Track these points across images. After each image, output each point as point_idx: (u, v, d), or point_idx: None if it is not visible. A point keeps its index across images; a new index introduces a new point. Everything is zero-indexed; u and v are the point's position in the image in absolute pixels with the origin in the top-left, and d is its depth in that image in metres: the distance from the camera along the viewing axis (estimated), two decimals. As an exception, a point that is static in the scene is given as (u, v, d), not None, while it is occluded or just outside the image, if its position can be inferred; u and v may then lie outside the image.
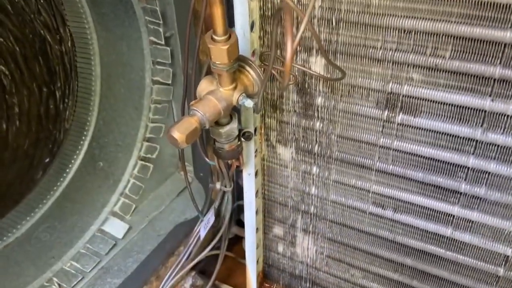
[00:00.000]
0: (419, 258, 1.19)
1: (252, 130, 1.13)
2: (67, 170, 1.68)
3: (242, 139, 1.09)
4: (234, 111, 1.03)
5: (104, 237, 1.51)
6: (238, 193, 1.53)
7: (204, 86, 0.95)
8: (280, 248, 1.48)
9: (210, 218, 1.27)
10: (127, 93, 1.63)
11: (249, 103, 0.94)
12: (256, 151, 1.22)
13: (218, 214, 1.39)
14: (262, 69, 0.98)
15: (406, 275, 1.25)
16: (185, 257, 1.26)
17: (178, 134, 0.86)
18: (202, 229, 1.25)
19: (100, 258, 1.45)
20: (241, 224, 1.60)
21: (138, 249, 1.50)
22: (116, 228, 1.54)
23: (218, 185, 1.23)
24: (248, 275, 1.52)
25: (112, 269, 1.43)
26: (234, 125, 1.01)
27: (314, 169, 1.23)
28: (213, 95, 0.91)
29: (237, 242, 1.70)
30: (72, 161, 1.69)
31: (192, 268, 1.61)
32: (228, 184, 1.21)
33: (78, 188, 1.64)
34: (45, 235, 1.52)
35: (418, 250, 1.18)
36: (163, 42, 1.46)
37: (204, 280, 1.54)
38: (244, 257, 1.56)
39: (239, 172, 1.34)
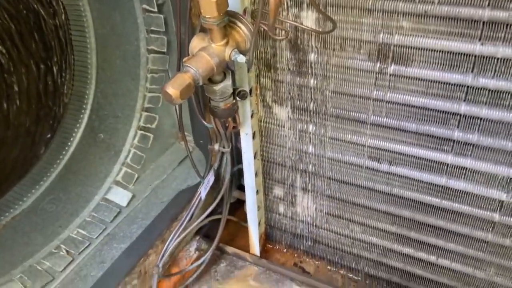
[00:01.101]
0: (415, 209, 1.22)
1: (247, 89, 1.15)
2: (69, 144, 1.70)
3: (238, 98, 1.10)
4: (229, 69, 1.05)
5: (109, 206, 1.54)
6: (238, 157, 1.55)
7: (196, 43, 0.95)
8: (281, 209, 1.51)
9: (210, 178, 1.29)
10: (123, 64, 1.64)
11: (241, 58, 0.95)
12: (252, 112, 1.23)
13: (218, 177, 1.41)
14: (254, 25, 0.99)
15: (404, 227, 1.28)
16: (187, 218, 1.29)
17: (172, 90, 0.87)
18: (203, 190, 1.28)
19: (105, 225, 1.48)
20: (242, 188, 1.63)
21: (142, 215, 1.54)
22: (120, 196, 1.57)
23: (216, 147, 1.25)
24: (251, 236, 1.55)
25: (118, 235, 1.46)
26: (228, 83, 1.02)
27: (311, 127, 1.24)
28: (205, 51, 0.92)
29: (239, 207, 1.73)
30: (73, 135, 1.71)
31: (197, 233, 1.66)
32: (226, 144, 1.23)
33: (80, 160, 1.67)
34: (50, 206, 1.55)
35: (414, 201, 1.21)
36: (156, 10, 1.46)
37: (209, 244, 1.57)
38: (246, 221, 1.60)
39: (238, 135, 1.36)
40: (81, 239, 1.43)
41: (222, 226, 1.53)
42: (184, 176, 1.72)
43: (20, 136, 1.79)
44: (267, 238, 1.62)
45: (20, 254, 1.36)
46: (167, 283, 1.49)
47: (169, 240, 1.27)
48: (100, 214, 1.52)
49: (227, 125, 1.21)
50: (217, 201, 1.31)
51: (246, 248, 1.61)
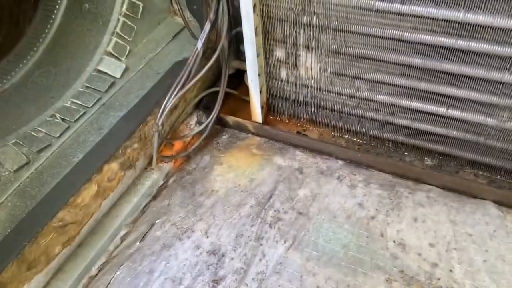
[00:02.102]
0: (427, 55, 1.14)
1: None
2: (53, 17, 1.58)
3: None
4: None
5: (102, 76, 1.47)
6: (235, 22, 1.43)
7: None
8: (283, 74, 1.43)
9: (205, 28, 1.20)
10: None
11: None
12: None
13: (215, 35, 1.31)
14: None
15: (413, 78, 1.21)
16: (185, 75, 1.22)
17: None
18: (199, 41, 1.19)
19: (100, 95, 1.42)
20: (241, 58, 1.54)
21: (138, 86, 1.47)
22: (113, 67, 1.49)
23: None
24: (253, 104, 1.50)
25: (114, 105, 1.41)
26: None
27: (315, -32, 1.12)
28: None
29: (240, 82, 1.66)
30: (57, 7, 1.58)
31: (197, 107, 1.60)
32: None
33: (67, 33, 1.56)
34: (41, 79, 1.48)
35: (427, 45, 1.12)
36: None
37: (209, 116, 1.52)
38: (247, 95, 1.53)
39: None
40: (76, 108, 1.38)
41: (222, 94, 1.47)
42: (179, 49, 1.63)
43: (3, 20, 1.67)
44: (269, 109, 1.57)
45: (13, 122, 1.32)
46: (169, 152, 1.47)
47: (167, 97, 1.21)
48: (93, 84, 1.45)
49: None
50: (215, 56, 1.22)
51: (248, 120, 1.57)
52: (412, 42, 1.14)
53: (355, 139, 1.46)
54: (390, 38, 1.16)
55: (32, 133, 1.29)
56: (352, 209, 1.28)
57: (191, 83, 1.21)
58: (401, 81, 1.24)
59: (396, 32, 1.14)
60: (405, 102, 1.28)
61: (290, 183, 1.38)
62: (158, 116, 1.21)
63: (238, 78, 1.65)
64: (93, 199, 1.18)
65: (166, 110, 1.21)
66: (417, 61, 1.17)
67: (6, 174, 1.20)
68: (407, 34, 1.13)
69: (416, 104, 1.26)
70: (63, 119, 1.34)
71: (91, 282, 1.18)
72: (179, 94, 1.21)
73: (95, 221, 1.22)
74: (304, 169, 1.42)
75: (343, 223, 1.24)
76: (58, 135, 1.29)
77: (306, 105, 1.48)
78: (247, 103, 1.57)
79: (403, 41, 1.15)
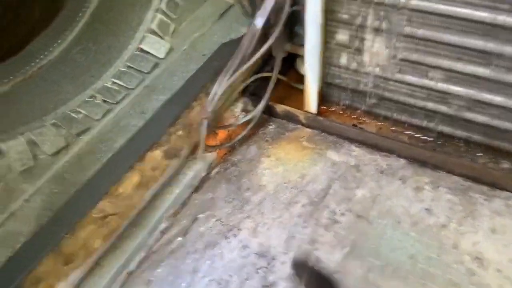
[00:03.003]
0: (524, 42, 0.98)
1: None
2: (93, -11, 1.48)
3: None
4: None
5: (145, 56, 1.36)
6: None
7: None
8: (343, 60, 1.29)
9: (266, 3, 1.05)
10: None
11: None
12: None
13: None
14: None
15: (501, 68, 1.05)
16: (240, 55, 1.09)
17: None
18: (259, 17, 1.06)
19: (143, 76, 1.32)
20: (296, 40, 1.41)
21: (183, 68, 1.36)
22: (157, 47, 1.38)
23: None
24: (308, 91, 1.36)
25: (158, 87, 1.30)
26: None
27: None
28: None
29: (290, 68, 1.52)
30: (98, -20, 1.48)
31: (242, 93, 1.48)
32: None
33: (109, 8, 1.46)
34: (80, 56, 1.38)
35: (526, 30, 0.97)
36: None
37: (256, 105, 1.40)
38: (297, 81, 1.40)
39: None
40: (118, 89, 1.28)
41: (274, 80, 1.34)
42: (226, 29, 1.51)
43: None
44: (322, 100, 1.43)
45: (51, 101, 1.23)
46: (213, 141, 1.36)
47: (219, 80, 1.08)
48: (136, 64, 1.34)
49: None
50: (275, 35, 1.09)
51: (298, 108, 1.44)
52: (505, 27, 0.98)
53: (419, 136, 1.31)
54: (479, 21, 1.00)
55: (71, 114, 1.20)
56: (418, 214, 1.14)
57: (246, 65, 1.09)
58: (486, 72, 1.08)
59: (488, 14, 0.98)
60: (486, 96, 1.12)
61: (346, 181, 1.24)
62: (209, 101, 1.09)
63: (287, 63, 1.51)
64: (135, 190, 1.08)
65: (218, 95, 1.09)
66: (509, 50, 1.01)
67: (43, 157, 1.11)
68: (502, 17, 0.97)
69: (499, 99, 1.11)
70: (104, 101, 1.24)
71: (129, 279, 1.09)
72: (233, 78, 1.08)
73: (135, 212, 1.12)
74: (362, 166, 1.28)
75: (409, 230, 1.11)
76: (98, 117, 1.20)
77: (365, 95, 1.33)
78: (296, 91, 1.44)
79: (495, 25, 0.99)
